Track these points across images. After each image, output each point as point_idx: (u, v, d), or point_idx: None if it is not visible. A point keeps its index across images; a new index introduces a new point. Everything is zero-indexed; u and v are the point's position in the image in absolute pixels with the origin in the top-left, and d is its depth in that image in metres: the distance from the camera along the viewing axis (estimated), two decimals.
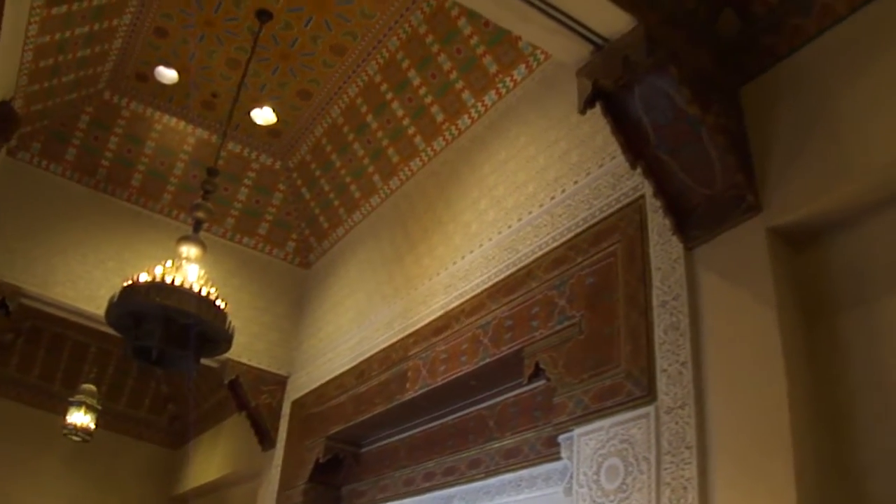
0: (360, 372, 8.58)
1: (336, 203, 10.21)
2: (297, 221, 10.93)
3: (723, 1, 4.94)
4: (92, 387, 13.27)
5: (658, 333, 4.79)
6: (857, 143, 4.12)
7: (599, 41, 4.58)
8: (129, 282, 7.00)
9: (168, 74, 9.40)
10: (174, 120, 10.06)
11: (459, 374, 6.76)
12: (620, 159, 5.18)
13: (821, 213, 4.31)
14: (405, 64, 8.38)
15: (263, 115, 9.78)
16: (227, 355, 8.87)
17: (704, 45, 4.83)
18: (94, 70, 9.21)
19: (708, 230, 4.73)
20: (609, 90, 4.66)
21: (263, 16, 8.28)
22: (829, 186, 4.20)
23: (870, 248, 4.22)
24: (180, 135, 10.20)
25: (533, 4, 4.39)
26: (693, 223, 4.80)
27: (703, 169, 4.67)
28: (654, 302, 4.89)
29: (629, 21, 4.42)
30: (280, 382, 10.51)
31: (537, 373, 5.81)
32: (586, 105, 4.71)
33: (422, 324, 7.57)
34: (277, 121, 9.87)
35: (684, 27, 4.75)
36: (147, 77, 9.50)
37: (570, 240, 5.86)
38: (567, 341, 5.52)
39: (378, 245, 9.30)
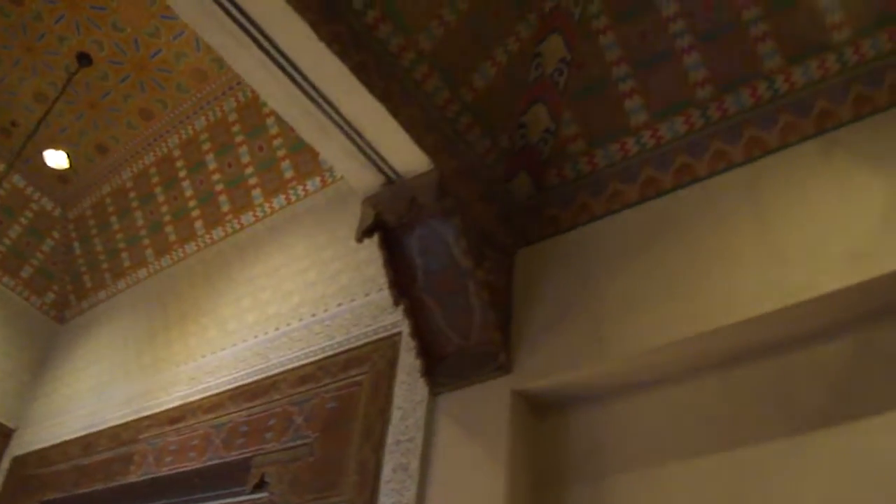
0: (87, 444, 8.10)
1: (104, 266, 9.81)
2: (61, 274, 10.39)
3: (521, 164, 5.11)
4: None
5: (386, 471, 4.73)
6: (613, 328, 4.27)
7: (392, 175, 4.63)
8: None
9: None
10: None
11: (185, 469, 6.51)
12: (387, 293, 5.12)
13: (566, 385, 4.40)
14: (206, 146, 8.28)
15: (56, 159, 9.33)
16: None
17: (493, 202, 4.96)
18: None
19: (456, 379, 4.75)
20: (390, 225, 4.70)
21: (84, 59, 8.09)
22: (578, 363, 4.31)
23: (605, 428, 4.32)
24: None
25: (336, 123, 4.40)
26: (443, 370, 4.82)
27: (462, 319, 4.73)
28: (389, 439, 4.86)
29: (426, 163, 4.50)
30: (5, 434, 9.78)
31: (262, 484, 5.68)
32: (364, 234, 4.72)
33: (158, 409, 7.25)
34: (69, 167, 9.47)
35: (478, 181, 4.88)
36: None
37: (321, 360, 5.81)
38: (297, 460, 5.42)
39: (134, 319, 8.95)
